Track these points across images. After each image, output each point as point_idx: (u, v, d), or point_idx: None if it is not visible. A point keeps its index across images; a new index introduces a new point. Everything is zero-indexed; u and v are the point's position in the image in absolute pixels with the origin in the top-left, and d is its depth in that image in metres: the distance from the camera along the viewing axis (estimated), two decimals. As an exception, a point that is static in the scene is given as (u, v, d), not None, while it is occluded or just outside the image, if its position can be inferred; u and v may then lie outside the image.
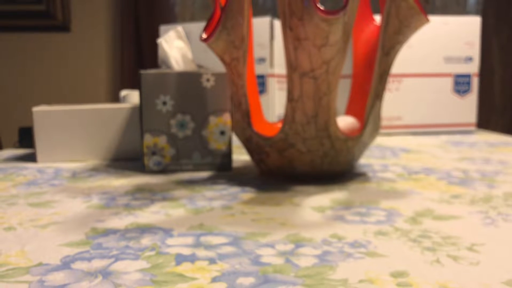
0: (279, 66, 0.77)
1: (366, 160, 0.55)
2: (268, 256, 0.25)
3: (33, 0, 2.08)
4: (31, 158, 0.58)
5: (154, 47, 2.07)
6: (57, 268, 0.24)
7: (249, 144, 0.44)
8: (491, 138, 0.73)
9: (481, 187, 0.41)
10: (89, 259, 0.25)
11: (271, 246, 0.27)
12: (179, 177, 0.46)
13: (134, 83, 2.09)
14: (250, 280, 0.22)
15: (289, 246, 0.27)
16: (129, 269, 0.24)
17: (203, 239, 0.28)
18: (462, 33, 0.77)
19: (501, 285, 0.22)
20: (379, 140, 0.72)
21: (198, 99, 0.47)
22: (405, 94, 0.77)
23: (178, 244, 0.27)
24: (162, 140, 0.47)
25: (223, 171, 0.49)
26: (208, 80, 0.47)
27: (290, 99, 0.40)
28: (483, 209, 0.34)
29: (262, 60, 0.75)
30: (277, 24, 0.76)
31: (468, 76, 0.78)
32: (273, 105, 0.76)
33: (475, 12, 2.12)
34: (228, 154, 0.49)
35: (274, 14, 2.12)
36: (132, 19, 2.07)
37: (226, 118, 0.48)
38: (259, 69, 0.75)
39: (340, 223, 0.31)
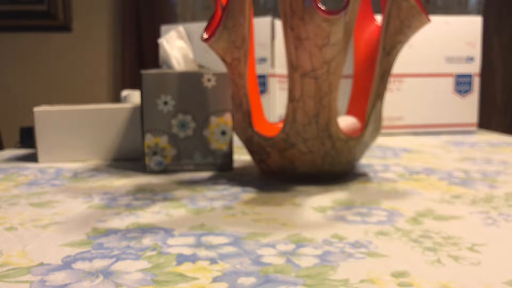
0: (280, 66, 0.77)
1: (367, 160, 0.55)
2: (269, 256, 0.25)
3: (34, 0, 2.08)
4: (32, 158, 0.58)
5: (155, 47, 2.07)
6: (58, 268, 0.24)
7: (250, 144, 0.44)
8: (492, 138, 0.73)
9: (482, 187, 0.41)
10: (90, 259, 0.25)
11: (272, 246, 0.27)
12: (180, 177, 0.46)
13: (135, 83, 2.09)
14: (251, 280, 0.22)
15: (290, 246, 0.27)
16: (130, 269, 0.24)
17: (204, 239, 0.28)
18: (463, 33, 0.77)
19: (502, 285, 0.22)
20: (380, 140, 0.72)
21: (199, 99, 0.47)
22: (406, 94, 0.77)
23: (179, 244, 0.27)
24: (163, 140, 0.47)
25: (224, 171, 0.49)
26: (209, 80, 0.47)
27: (291, 99, 0.40)
28: (484, 209, 0.34)
29: (263, 60, 0.75)
30: (278, 24, 0.76)
31: (469, 76, 0.78)
32: (274, 105, 0.76)
33: (476, 12, 2.12)
34: (229, 154, 0.49)
35: (275, 14, 2.12)
36: (133, 19, 2.07)
37: (227, 118, 0.48)
38: (260, 69, 0.75)
39: (341, 223, 0.31)
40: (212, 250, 0.26)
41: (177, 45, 0.54)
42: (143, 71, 0.47)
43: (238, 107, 0.44)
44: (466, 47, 0.77)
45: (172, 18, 2.10)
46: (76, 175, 0.47)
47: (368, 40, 0.51)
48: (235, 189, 0.41)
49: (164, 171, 0.48)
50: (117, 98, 2.17)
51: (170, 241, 0.28)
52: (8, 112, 2.18)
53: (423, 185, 0.42)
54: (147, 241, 0.28)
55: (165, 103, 0.47)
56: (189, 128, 0.48)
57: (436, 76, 0.77)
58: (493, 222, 0.31)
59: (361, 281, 0.22)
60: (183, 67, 0.54)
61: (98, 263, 0.25)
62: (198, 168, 0.48)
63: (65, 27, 2.14)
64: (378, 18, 0.62)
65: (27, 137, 0.65)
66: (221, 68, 0.78)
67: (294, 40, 0.38)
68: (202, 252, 0.26)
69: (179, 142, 0.48)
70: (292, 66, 0.39)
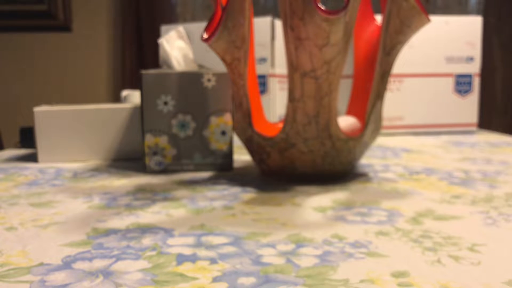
0: (280, 66, 0.77)
1: (367, 160, 0.55)
2: (269, 256, 0.25)
3: (34, 0, 2.08)
4: (32, 158, 0.58)
5: (155, 47, 2.07)
6: (58, 268, 0.24)
7: (250, 144, 0.44)
8: (492, 138, 0.73)
9: (482, 188, 0.41)
10: (90, 259, 0.25)
11: (272, 246, 0.27)
12: (180, 177, 0.46)
13: (135, 83, 2.09)
14: (251, 280, 0.22)
15: (290, 246, 0.27)
16: (130, 269, 0.24)
17: (204, 239, 0.28)
18: (463, 33, 0.77)
19: (502, 285, 0.22)
20: (380, 140, 0.72)
21: (199, 99, 0.47)
22: (406, 94, 0.77)
23: (179, 244, 0.27)
24: (163, 140, 0.47)
25: (224, 171, 0.49)
26: (209, 80, 0.47)
27: (291, 99, 0.40)
28: (484, 209, 0.34)
29: (263, 60, 0.75)
30: (278, 24, 0.76)
31: (469, 76, 0.78)
32: (274, 105, 0.76)
33: (476, 12, 2.12)
34: (229, 154, 0.49)
35: (275, 14, 2.12)
36: (133, 19, 2.07)
37: (227, 118, 0.48)
38: (260, 69, 0.75)
39: (341, 223, 0.31)
40: (212, 250, 0.26)
41: (177, 45, 0.54)
42: (143, 71, 0.47)
43: (238, 107, 0.44)
44: (466, 47, 0.77)
45: (172, 18, 2.10)
46: (76, 175, 0.47)
47: (368, 40, 0.51)
48: (235, 189, 0.41)
49: (164, 171, 0.48)
50: (117, 98, 2.17)
51: (170, 241, 0.28)
52: (8, 112, 2.18)
53: (423, 185, 0.42)
54: (147, 241, 0.28)
55: (165, 103, 0.47)
56: (189, 128, 0.48)
57: (436, 76, 0.77)
58: (493, 222, 0.31)
59: (361, 281, 0.22)
60: (183, 67, 0.54)
61: (98, 263, 0.25)
62: (198, 168, 0.48)
63: (65, 27, 2.14)
64: (378, 18, 0.62)
65: (27, 137, 0.65)
66: (221, 68, 0.78)
67: (294, 40, 0.38)
68: (202, 252, 0.26)
69: (179, 142, 0.48)
70: (292, 66, 0.39)
